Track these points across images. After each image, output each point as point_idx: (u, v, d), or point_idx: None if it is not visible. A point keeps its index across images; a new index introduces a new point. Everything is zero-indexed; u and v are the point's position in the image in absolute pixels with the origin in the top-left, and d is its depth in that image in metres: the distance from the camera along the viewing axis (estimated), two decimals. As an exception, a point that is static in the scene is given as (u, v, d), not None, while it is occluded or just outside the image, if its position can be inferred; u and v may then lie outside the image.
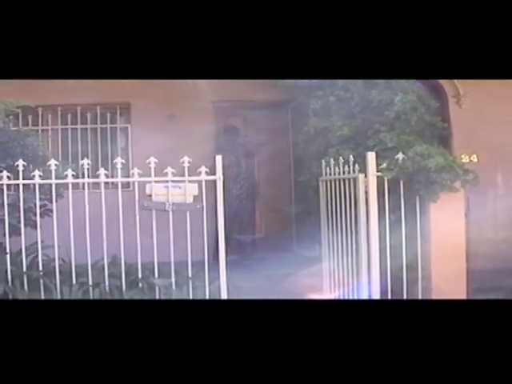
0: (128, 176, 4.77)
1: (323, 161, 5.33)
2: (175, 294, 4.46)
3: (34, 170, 4.52)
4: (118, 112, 7.33)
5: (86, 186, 4.57)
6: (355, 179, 4.76)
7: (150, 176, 4.54)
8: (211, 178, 4.59)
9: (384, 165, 4.69)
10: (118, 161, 4.61)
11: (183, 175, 4.54)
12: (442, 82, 6.71)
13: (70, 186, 4.54)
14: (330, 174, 5.15)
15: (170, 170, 4.57)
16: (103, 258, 4.55)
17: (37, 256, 4.58)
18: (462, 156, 5.35)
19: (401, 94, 5.31)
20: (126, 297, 4.45)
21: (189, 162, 4.54)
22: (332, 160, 5.15)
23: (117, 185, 4.60)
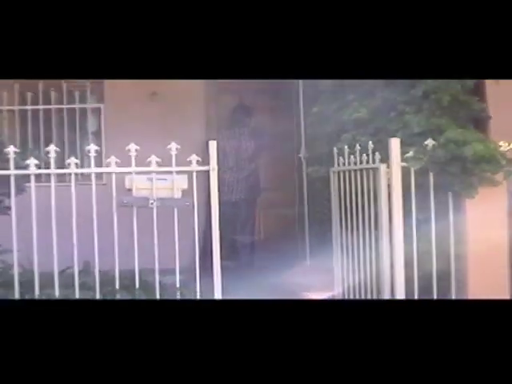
0: (101, 166, 4.76)
1: (335, 148, 5.30)
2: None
3: (-13, 159, 4.52)
4: (89, 90, 7.25)
5: (53, 178, 4.52)
6: (375, 170, 4.74)
7: (129, 166, 4.50)
8: (204, 168, 4.55)
9: (410, 153, 4.67)
10: (91, 148, 4.54)
11: (170, 165, 4.52)
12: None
13: (33, 177, 4.49)
14: (344, 164, 5.14)
15: (154, 158, 4.51)
16: (73, 266, 4.53)
17: (-8, 263, 4.57)
18: (501, 143, 5.27)
19: (431, 69, 5.29)
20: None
21: (177, 150, 4.50)
22: (346, 147, 5.12)
23: (89, 177, 4.58)
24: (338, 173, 5.25)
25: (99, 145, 6.49)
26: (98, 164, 4.80)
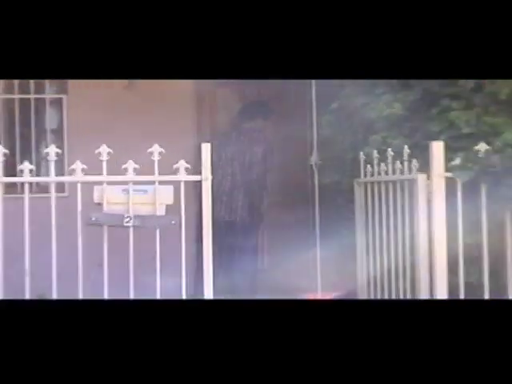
0: (64, 174, 4.86)
1: (362, 153, 5.31)
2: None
3: None
4: (48, 77, 7.17)
5: (0, 188, 4.46)
6: (412, 182, 4.76)
7: (99, 174, 4.44)
8: (194, 178, 4.50)
9: (457, 160, 4.66)
10: (51, 150, 4.44)
11: (152, 174, 4.45)
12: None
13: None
14: (373, 175, 5.18)
15: (131, 165, 4.44)
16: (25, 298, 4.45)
17: None
18: None
19: (484, 54, 5.33)
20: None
21: (160, 154, 4.43)
22: (375, 152, 5.13)
23: (47, 187, 4.62)
24: (365, 185, 5.29)
25: (61, 146, 6.41)
26: (59, 171, 4.77)
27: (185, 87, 6.92)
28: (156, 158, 4.40)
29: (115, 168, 4.43)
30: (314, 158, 6.69)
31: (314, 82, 6.74)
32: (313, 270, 6.52)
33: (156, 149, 4.41)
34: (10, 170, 4.59)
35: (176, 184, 4.48)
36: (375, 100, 5.47)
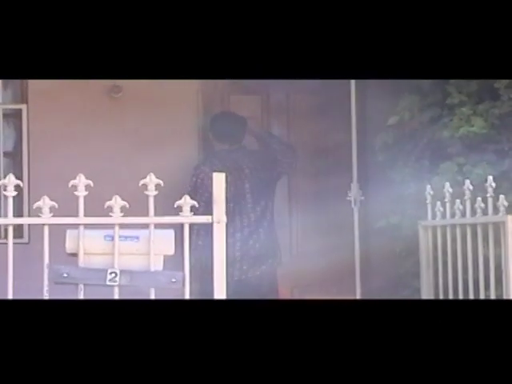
0: (23, 214, 4.98)
1: (429, 187, 5.36)
2: None
3: None
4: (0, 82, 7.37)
5: None
6: (500, 226, 4.90)
7: (74, 214, 4.42)
8: (203, 219, 4.49)
9: None
10: (8, 181, 4.45)
11: (145, 214, 4.45)
12: None
13: None
14: (445, 215, 5.26)
15: (117, 201, 4.43)
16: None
17: None
18: None
19: None
20: None
21: (157, 187, 4.42)
22: (448, 186, 5.21)
23: (4, 231, 4.65)
24: (433, 229, 5.37)
25: (19, 176, 6.39)
26: (18, 209, 4.85)
27: (187, 95, 7.00)
28: (151, 192, 4.39)
29: (96, 206, 4.42)
30: (353, 193, 6.61)
31: (354, 84, 6.78)
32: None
33: (151, 180, 4.40)
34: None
35: (178, 228, 4.49)
36: (448, 114, 5.54)
